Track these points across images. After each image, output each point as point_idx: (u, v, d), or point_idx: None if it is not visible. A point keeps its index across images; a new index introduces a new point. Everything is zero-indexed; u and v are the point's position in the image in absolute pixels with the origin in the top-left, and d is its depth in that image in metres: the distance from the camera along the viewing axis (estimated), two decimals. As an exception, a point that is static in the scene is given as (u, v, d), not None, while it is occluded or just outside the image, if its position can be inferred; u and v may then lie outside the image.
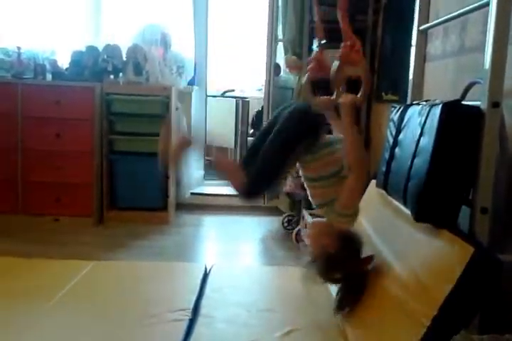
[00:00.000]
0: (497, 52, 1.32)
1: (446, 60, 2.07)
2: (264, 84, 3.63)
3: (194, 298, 1.93)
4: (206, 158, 4.14)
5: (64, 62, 3.42)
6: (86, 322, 1.72)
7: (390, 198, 1.86)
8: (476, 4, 1.50)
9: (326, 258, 1.64)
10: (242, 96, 5.53)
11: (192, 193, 3.78)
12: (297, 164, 1.74)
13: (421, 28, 2.00)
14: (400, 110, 1.85)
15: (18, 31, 3.67)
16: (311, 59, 1.89)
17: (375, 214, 2.03)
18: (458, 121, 1.40)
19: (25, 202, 3.19)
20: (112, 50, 3.38)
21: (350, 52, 1.66)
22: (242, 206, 3.40)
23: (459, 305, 1.24)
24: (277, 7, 3.51)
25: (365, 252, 1.71)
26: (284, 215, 3.32)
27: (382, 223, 1.92)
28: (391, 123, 1.91)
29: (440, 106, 1.44)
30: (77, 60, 3.35)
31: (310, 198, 1.78)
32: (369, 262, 1.68)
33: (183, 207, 3.68)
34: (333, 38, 3.50)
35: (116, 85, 3.31)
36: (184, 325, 1.71)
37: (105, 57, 3.35)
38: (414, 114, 1.67)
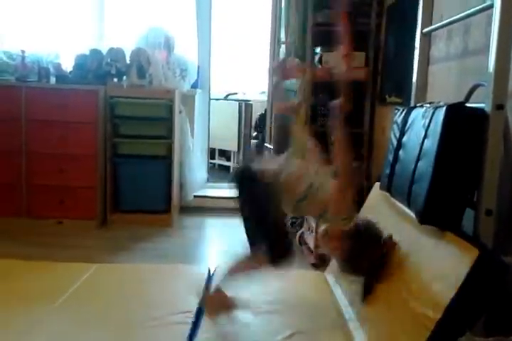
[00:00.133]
0: (501, 55, 1.32)
1: (450, 63, 2.07)
2: (267, 87, 3.64)
3: (197, 300, 1.92)
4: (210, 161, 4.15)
5: (68, 66, 3.43)
6: (89, 325, 1.72)
7: (393, 200, 1.86)
8: (479, 6, 1.50)
9: (349, 256, 1.66)
10: (245, 99, 5.54)
11: (195, 196, 3.78)
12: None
13: (424, 30, 2.00)
14: (404, 112, 1.85)
15: (22, 34, 3.68)
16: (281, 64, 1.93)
17: (378, 217, 2.02)
18: (462, 124, 1.40)
19: (28, 205, 3.20)
20: (116, 53, 3.39)
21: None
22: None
23: (463, 308, 1.24)
24: (280, 10, 3.53)
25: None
26: (287, 218, 3.32)
27: (386, 225, 1.91)
28: (395, 126, 1.91)
29: (444, 108, 1.44)
30: (80, 63, 3.36)
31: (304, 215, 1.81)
32: (392, 245, 1.68)
33: (186, 209, 3.68)
34: (332, 40, 3.52)
35: (119, 88, 3.32)
36: (187, 327, 1.71)
37: (109, 60, 3.36)
38: (418, 117, 1.67)
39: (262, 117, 4.92)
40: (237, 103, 5.41)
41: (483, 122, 1.36)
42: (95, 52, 3.39)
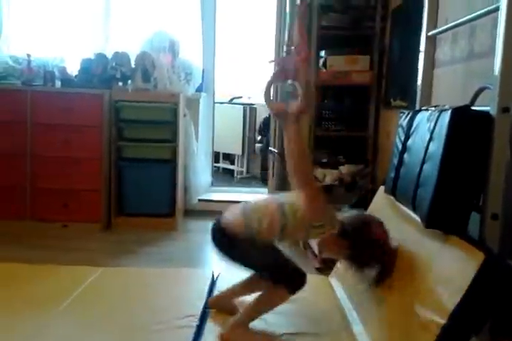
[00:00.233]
0: (507, 57, 1.32)
1: (455, 66, 2.06)
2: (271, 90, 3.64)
3: (202, 304, 1.92)
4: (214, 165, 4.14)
5: (73, 70, 3.44)
6: (94, 329, 1.72)
7: (398, 204, 1.85)
8: (485, 9, 1.50)
9: (352, 254, 1.67)
10: (249, 103, 5.55)
11: (199, 200, 3.78)
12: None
13: (429, 33, 2.00)
14: (409, 116, 1.85)
15: (27, 39, 3.71)
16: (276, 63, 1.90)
17: (383, 220, 2.02)
18: (467, 127, 1.40)
19: (33, 208, 3.21)
20: (121, 57, 3.41)
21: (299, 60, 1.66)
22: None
23: (469, 312, 1.23)
24: (285, 13, 3.53)
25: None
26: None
27: (390, 229, 1.90)
28: (400, 129, 1.90)
29: (449, 111, 1.43)
30: (86, 67, 3.38)
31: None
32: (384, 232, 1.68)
33: (190, 213, 3.68)
34: (337, 44, 3.53)
35: (124, 92, 3.33)
36: (192, 331, 1.70)
37: (114, 64, 3.37)
38: (423, 120, 1.66)
39: (267, 121, 4.93)
40: (242, 107, 5.42)
41: (489, 125, 1.35)
42: (100, 57, 3.40)
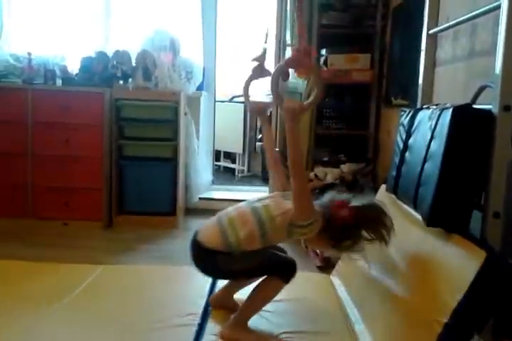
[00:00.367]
0: (508, 56, 1.31)
1: (456, 64, 2.06)
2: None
3: (203, 302, 1.93)
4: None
5: (74, 68, 3.44)
6: (95, 326, 1.72)
7: (400, 202, 1.85)
8: (486, 7, 1.50)
9: (336, 241, 1.65)
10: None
11: (200, 198, 3.78)
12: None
13: (430, 32, 2.00)
14: (410, 114, 1.85)
15: (28, 37, 3.71)
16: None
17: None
18: (469, 125, 1.40)
19: (34, 207, 3.21)
20: (122, 55, 3.40)
21: (304, 56, 1.63)
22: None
23: (471, 311, 1.23)
24: (285, 12, 3.53)
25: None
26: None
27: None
28: (401, 128, 1.90)
29: (451, 109, 1.43)
30: (86, 65, 3.37)
31: None
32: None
33: (191, 211, 3.68)
34: (338, 42, 3.53)
35: (125, 91, 3.33)
36: (193, 329, 1.71)
37: (115, 62, 3.37)
38: (425, 118, 1.66)
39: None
40: (243, 105, 5.41)
41: (490, 123, 1.35)
42: (101, 55, 3.40)
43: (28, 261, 2.37)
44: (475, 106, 1.48)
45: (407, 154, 1.78)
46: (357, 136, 3.58)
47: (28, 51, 3.35)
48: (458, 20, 1.74)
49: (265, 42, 1.81)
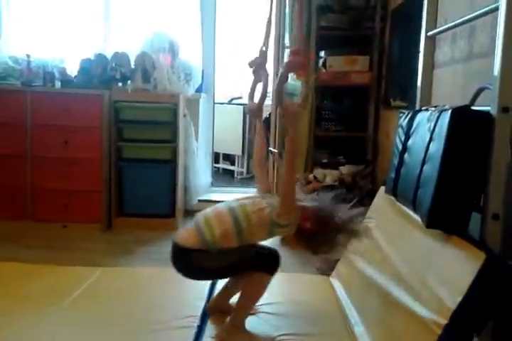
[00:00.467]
0: (506, 57, 1.32)
1: (455, 66, 2.06)
2: (271, 91, 3.64)
3: (202, 304, 1.92)
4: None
5: (73, 70, 3.44)
6: (94, 329, 1.72)
7: (399, 204, 1.85)
8: (484, 9, 1.50)
9: (311, 241, 1.70)
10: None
11: (199, 200, 3.77)
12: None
13: (429, 33, 2.00)
14: (409, 116, 1.85)
15: (27, 39, 3.71)
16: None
17: (384, 221, 2.02)
18: (467, 127, 1.40)
19: (33, 209, 3.21)
20: (121, 57, 3.41)
21: (301, 58, 1.64)
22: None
23: (470, 313, 1.23)
24: (284, 14, 3.53)
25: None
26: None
27: (391, 229, 1.91)
28: (400, 129, 1.90)
29: (449, 111, 1.43)
30: (85, 67, 3.38)
31: None
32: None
33: (190, 213, 3.66)
34: (336, 44, 3.53)
35: (124, 93, 3.33)
36: (192, 331, 1.70)
37: (114, 64, 3.37)
38: (423, 120, 1.66)
39: (267, 121, 4.92)
40: (242, 107, 5.42)
41: (489, 125, 1.35)
42: (100, 57, 3.40)
43: (27, 263, 2.37)
44: (473, 107, 1.48)
45: (406, 156, 1.79)
46: (356, 138, 3.59)
47: (27, 53, 3.36)
48: (456, 22, 1.75)
49: (265, 40, 1.82)
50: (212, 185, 4.15)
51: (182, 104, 3.35)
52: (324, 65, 3.42)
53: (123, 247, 2.88)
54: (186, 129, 3.56)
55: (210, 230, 1.62)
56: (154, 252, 2.82)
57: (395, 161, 1.87)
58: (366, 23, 3.43)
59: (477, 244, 1.31)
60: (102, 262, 2.52)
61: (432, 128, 1.53)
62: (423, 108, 1.81)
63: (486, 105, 1.40)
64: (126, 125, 3.29)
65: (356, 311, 1.84)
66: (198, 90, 3.73)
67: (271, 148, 3.83)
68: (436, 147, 1.46)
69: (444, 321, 1.24)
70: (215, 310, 1.87)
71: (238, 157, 5.53)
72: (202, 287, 2.10)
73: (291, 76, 3.75)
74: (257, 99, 1.94)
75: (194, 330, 1.71)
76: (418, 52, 2.08)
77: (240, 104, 5.51)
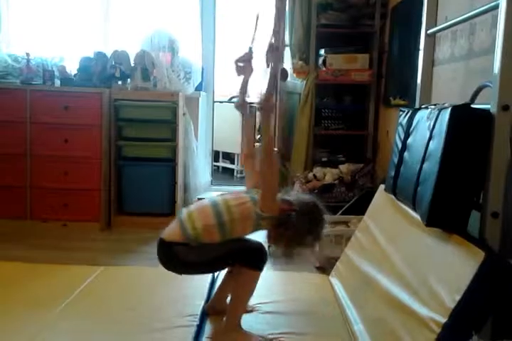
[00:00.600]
0: (506, 55, 1.31)
1: (455, 64, 2.06)
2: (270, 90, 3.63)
3: (202, 303, 1.92)
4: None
5: (72, 68, 3.44)
6: (94, 327, 1.72)
7: (399, 203, 1.85)
8: (484, 7, 1.50)
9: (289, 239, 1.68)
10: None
11: (199, 198, 3.76)
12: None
13: (429, 31, 1.99)
14: (409, 114, 1.84)
15: (27, 38, 3.70)
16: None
17: (383, 219, 2.02)
18: (467, 125, 1.39)
19: (33, 208, 3.20)
20: (120, 56, 3.40)
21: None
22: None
23: (470, 311, 1.23)
24: (284, 12, 3.52)
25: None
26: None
27: (391, 227, 1.90)
28: (399, 128, 1.90)
29: (449, 109, 1.43)
30: (85, 66, 3.37)
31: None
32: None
33: (190, 212, 3.67)
34: (336, 42, 3.52)
35: (124, 91, 3.33)
36: (192, 330, 1.70)
37: (113, 63, 3.37)
38: (423, 118, 1.66)
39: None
40: (242, 106, 5.41)
41: (489, 123, 1.35)
42: (100, 55, 3.40)
43: (27, 263, 2.37)
44: (473, 105, 1.48)
45: (405, 154, 1.78)
46: (356, 136, 3.59)
47: (26, 51, 3.35)
48: (456, 19, 1.74)
49: (255, 30, 1.83)
50: (212, 183, 4.15)
51: (182, 103, 3.35)
52: (324, 63, 3.41)
53: (123, 246, 2.88)
54: (186, 128, 3.56)
55: (192, 224, 1.64)
56: (154, 251, 2.80)
57: (395, 159, 1.86)
58: (366, 20, 3.43)
59: (476, 242, 1.31)
60: (102, 261, 2.52)
61: (431, 127, 1.53)
62: (423, 106, 1.81)
63: (486, 103, 1.40)
64: (125, 123, 3.28)
65: (355, 310, 1.83)
66: (198, 88, 3.73)
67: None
68: (436, 145, 1.46)
69: (443, 319, 1.24)
70: (212, 311, 1.87)
71: (238, 155, 5.53)
72: (202, 285, 2.10)
73: (291, 74, 3.76)
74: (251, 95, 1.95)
75: (194, 329, 1.71)
76: (418, 50, 2.08)
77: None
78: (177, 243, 1.65)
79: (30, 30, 3.72)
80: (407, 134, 1.80)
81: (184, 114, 3.48)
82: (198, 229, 1.62)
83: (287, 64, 3.58)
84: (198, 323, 1.76)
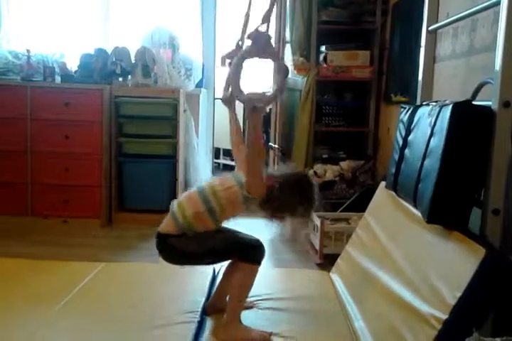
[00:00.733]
0: (508, 52, 1.31)
1: (456, 61, 2.06)
2: (271, 86, 3.63)
3: (203, 300, 1.92)
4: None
5: (73, 65, 3.44)
6: (95, 324, 1.72)
7: (399, 199, 1.85)
8: (486, 3, 1.49)
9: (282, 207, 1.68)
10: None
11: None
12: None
13: (430, 28, 1.99)
14: (410, 111, 1.84)
15: (27, 34, 3.70)
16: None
17: (384, 216, 2.02)
18: (468, 121, 1.39)
19: (34, 204, 3.21)
20: (121, 52, 3.40)
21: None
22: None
23: (470, 308, 1.23)
24: (285, 8, 3.52)
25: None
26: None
27: (391, 224, 1.90)
28: (400, 124, 1.90)
29: (450, 106, 1.42)
30: (86, 62, 3.37)
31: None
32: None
33: (191, 209, 3.67)
34: (337, 39, 3.52)
35: (124, 87, 3.32)
36: (193, 327, 1.71)
37: (114, 59, 3.37)
38: (424, 115, 1.65)
39: (267, 116, 4.92)
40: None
41: (490, 120, 1.35)
42: (100, 52, 3.39)
43: (27, 259, 2.37)
44: (475, 102, 1.48)
45: (406, 151, 1.78)
46: (356, 133, 3.58)
47: (27, 48, 3.35)
48: (458, 16, 1.74)
49: (242, 34, 1.83)
50: (213, 180, 4.14)
51: (182, 99, 3.35)
52: (325, 59, 3.41)
53: (123, 242, 2.89)
54: (186, 124, 3.55)
55: (183, 213, 1.65)
56: (154, 247, 2.82)
57: (396, 156, 1.86)
58: (367, 17, 3.42)
59: (477, 239, 1.31)
60: (103, 257, 2.53)
61: (432, 123, 1.53)
62: (424, 103, 1.80)
63: (488, 100, 1.39)
64: (126, 120, 3.28)
65: (356, 306, 1.84)
66: (199, 85, 3.73)
67: (271, 144, 3.83)
68: (437, 142, 1.46)
69: (444, 316, 1.24)
70: (213, 309, 1.87)
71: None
72: (203, 282, 2.10)
73: (292, 71, 3.75)
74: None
75: (195, 326, 1.71)
76: (419, 46, 2.07)
77: (241, 99, 5.49)
78: (172, 235, 1.66)
79: (31, 26, 3.72)
80: (408, 131, 1.79)
81: (185, 111, 3.48)
82: (189, 218, 1.64)
83: (288, 60, 3.58)
84: (198, 319, 1.76)
